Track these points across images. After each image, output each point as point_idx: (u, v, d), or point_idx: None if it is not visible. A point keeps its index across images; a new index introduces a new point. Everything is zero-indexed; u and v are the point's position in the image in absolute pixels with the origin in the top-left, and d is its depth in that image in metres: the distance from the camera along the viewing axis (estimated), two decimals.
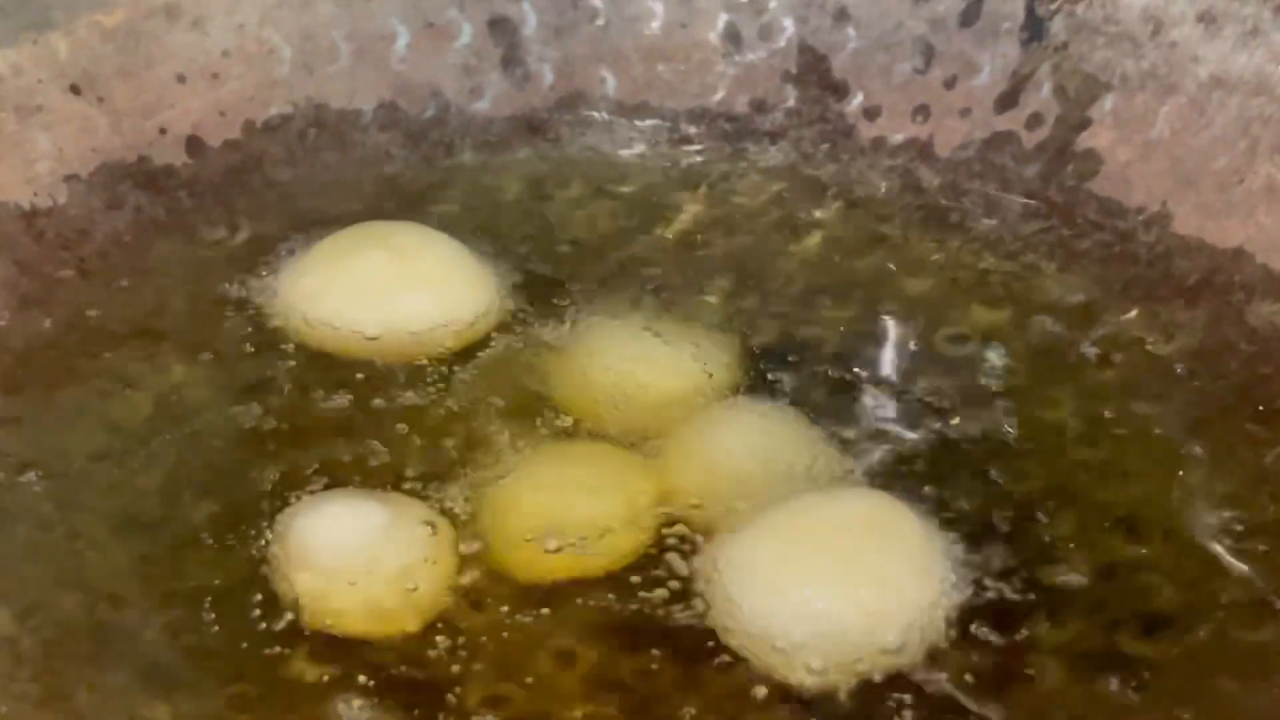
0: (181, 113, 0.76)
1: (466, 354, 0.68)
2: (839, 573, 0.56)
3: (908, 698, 0.54)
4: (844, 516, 0.58)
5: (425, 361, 0.67)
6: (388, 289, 0.68)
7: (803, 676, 0.54)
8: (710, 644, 0.56)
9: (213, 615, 0.56)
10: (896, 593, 0.56)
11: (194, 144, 0.76)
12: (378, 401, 0.65)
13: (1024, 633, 0.56)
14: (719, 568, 0.57)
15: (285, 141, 0.79)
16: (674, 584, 0.58)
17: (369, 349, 0.67)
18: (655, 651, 0.55)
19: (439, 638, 0.56)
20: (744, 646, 0.55)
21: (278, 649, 0.55)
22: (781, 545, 0.57)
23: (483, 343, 0.68)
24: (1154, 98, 0.76)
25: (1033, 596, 0.58)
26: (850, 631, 0.55)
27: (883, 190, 0.80)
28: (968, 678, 0.55)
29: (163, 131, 0.76)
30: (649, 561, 0.58)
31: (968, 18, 0.80)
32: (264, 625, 0.56)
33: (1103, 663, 0.56)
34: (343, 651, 0.55)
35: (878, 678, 0.54)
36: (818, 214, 0.78)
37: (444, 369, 0.67)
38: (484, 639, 0.56)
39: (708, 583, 0.57)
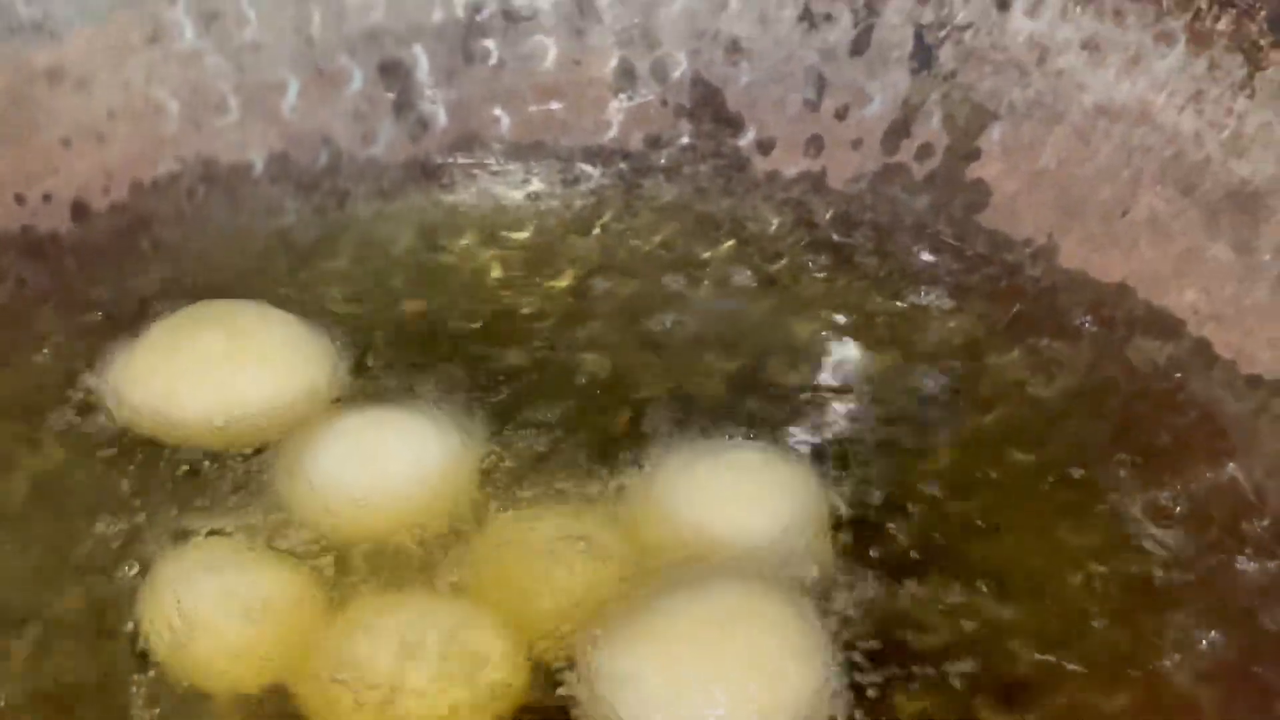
0: (66, 177, 0.76)
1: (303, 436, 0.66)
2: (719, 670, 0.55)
3: None
4: (714, 611, 0.57)
5: (269, 442, 0.66)
6: (224, 371, 0.67)
7: None
8: None
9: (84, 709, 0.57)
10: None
11: (79, 208, 0.76)
12: (229, 483, 0.65)
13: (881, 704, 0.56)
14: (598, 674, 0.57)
15: (174, 200, 0.78)
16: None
17: (214, 435, 0.66)
18: None
19: None
20: None
21: None
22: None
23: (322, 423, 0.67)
24: (1041, 126, 0.75)
25: (893, 666, 0.58)
26: None
27: (775, 226, 0.79)
28: None
29: (47, 198, 0.75)
30: None
31: (858, 46, 0.79)
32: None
33: None
34: None
35: None
36: (709, 254, 0.78)
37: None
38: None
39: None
